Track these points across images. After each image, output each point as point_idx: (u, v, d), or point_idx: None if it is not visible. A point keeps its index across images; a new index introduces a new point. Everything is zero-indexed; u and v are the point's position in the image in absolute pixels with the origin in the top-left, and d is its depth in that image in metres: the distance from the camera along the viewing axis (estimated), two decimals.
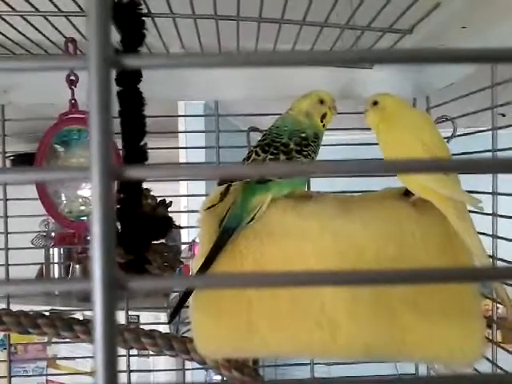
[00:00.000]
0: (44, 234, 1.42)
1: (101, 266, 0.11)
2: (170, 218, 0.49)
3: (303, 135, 0.51)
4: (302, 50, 0.57)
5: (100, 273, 0.11)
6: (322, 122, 0.53)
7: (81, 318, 0.72)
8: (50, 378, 1.40)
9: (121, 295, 0.68)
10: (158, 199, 0.50)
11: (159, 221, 0.47)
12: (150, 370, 1.10)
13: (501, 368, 0.52)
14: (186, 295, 0.48)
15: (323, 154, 0.55)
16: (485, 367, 0.51)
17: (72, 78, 0.55)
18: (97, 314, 0.11)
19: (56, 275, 1.56)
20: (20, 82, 0.64)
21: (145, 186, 0.51)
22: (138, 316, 1.36)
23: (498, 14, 0.44)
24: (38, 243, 1.45)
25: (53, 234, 1.42)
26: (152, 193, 0.54)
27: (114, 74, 0.46)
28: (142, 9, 0.44)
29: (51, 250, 1.58)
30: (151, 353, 0.59)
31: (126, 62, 0.12)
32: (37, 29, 0.51)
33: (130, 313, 1.42)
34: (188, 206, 1.03)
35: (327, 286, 0.14)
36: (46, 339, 1.02)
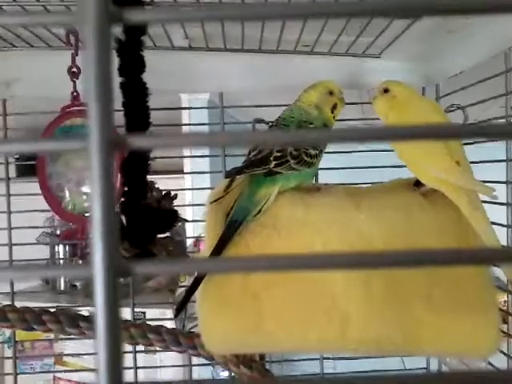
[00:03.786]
0: (49, 232, 1.42)
1: (102, 250, 0.10)
2: (176, 211, 0.48)
3: (311, 126, 0.50)
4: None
5: (101, 257, 0.10)
6: (332, 112, 0.52)
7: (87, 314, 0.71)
8: (57, 374, 1.40)
9: (125, 284, 0.67)
10: (163, 192, 0.49)
11: (164, 214, 0.46)
12: (156, 367, 1.10)
13: None
14: (192, 289, 0.47)
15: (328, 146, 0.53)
16: (500, 361, 0.50)
17: (74, 70, 0.54)
18: (98, 304, 0.09)
19: None
20: (22, 75, 0.63)
21: (149, 178, 0.50)
22: (144, 312, 1.35)
23: None
24: (43, 241, 1.44)
25: (58, 232, 1.42)
26: (157, 185, 0.53)
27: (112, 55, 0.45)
28: None
29: (56, 247, 1.57)
30: (158, 349, 0.59)
31: (128, 16, 0.11)
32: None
33: (136, 309, 1.42)
34: (193, 200, 1.02)
35: (336, 269, 0.13)
36: (52, 336, 1.01)
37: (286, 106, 0.54)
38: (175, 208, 0.48)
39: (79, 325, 0.55)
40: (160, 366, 1.13)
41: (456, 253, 0.14)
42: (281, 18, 0.12)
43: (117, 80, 0.45)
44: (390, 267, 0.14)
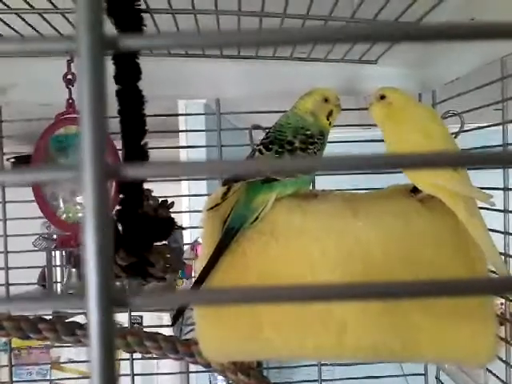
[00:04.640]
0: (45, 236, 1.41)
1: (96, 284, 0.09)
2: (172, 219, 0.48)
3: (308, 133, 0.50)
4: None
5: (95, 291, 0.09)
6: (328, 119, 0.52)
7: (85, 321, 0.71)
8: (54, 380, 1.39)
9: (122, 288, 0.67)
10: (160, 200, 0.48)
11: (161, 222, 0.46)
12: (153, 374, 1.09)
13: None
14: None
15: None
16: (498, 368, 0.50)
17: (69, 77, 0.54)
18: (93, 340, 0.09)
19: (58, 278, 1.55)
20: (17, 81, 0.63)
21: (146, 186, 0.50)
22: (142, 317, 1.35)
23: None
24: (39, 245, 1.44)
25: (54, 236, 1.41)
26: (153, 193, 0.53)
27: (108, 62, 0.44)
28: (140, 3, 0.42)
29: (53, 252, 1.57)
30: (155, 356, 0.58)
31: (122, 44, 0.10)
32: (33, 27, 0.50)
33: (133, 314, 1.41)
34: (190, 206, 1.02)
35: (330, 300, 0.13)
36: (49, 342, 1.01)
37: (283, 112, 0.54)
38: (172, 216, 0.48)
39: (75, 333, 0.55)
40: (157, 373, 1.12)
41: (463, 283, 0.14)
42: (273, 45, 0.12)
43: (113, 87, 0.45)
44: (385, 299, 0.14)
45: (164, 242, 0.50)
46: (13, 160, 1.50)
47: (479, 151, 0.13)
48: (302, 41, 0.12)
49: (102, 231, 0.10)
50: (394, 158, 0.14)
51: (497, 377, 0.52)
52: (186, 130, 1.00)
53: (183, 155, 1.12)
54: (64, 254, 1.58)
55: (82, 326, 0.56)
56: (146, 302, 0.10)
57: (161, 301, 0.11)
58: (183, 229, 0.58)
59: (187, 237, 1.04)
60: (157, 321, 1.19)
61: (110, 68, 0.46)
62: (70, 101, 0.55)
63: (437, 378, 0.65)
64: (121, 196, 0.45)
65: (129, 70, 0.44)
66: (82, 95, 0.10)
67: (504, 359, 0.51)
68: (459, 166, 0.43)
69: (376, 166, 0.12)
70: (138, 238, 0.44)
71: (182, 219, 1.01)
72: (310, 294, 0.13)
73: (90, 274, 0.10)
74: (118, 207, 0.45)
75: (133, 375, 0.66)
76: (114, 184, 0.49)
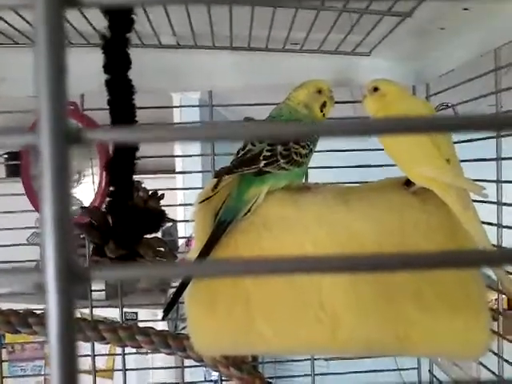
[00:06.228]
0: (39, 231, 1.40)
1: (54, 254, 0.09)
2: (163, 211, 0.47)
3: None
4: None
5: (54, 262, 0.09)
6: (321, 111, 0.52)
7: (78, 315, 0.70)
8: (48, 376, 1.39)
9: (114, 284, 0.66)
10: (150, 192, 0.48)
11: (151, 214, 0.46)
12: (147, 368, 1.09)
13: (507, 361, 0.50)
14: (179, 291, 0.46)
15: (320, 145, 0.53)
16: (491, 361, 0.50)
17: None
18: (51, 315, 0.09)
19: None
20: (8, 74, 0.62)
21: (143, 180, 0.50)
22: (136, 313, 1.34)
23: None
24: (33, 241, 1.43)
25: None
26: (146, 186, 0.52)
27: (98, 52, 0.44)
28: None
29: None
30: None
31: (86, 136, 0.10)
32: (23, 18, 0.49)
33: (128, 310, 1.40)
34: (184, 199, 1.02)
35: (324, 272, 0.13)
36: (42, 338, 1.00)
37: (276, 104, 0.53)
38: (162, 208, 0.47)
39: None
40: (150, 368, 1.12)
41: (443, 255, 0.14)
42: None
43: (101, 78, 0.45)
44: (376, 271, 0.14)
45: (156, 235, 0.50)
46: (6, 155, 1.49)
47: (472, 115, 0.13)
48: None
49: (61, 201, 0.09)
50: (384, 122, 0.13)
51: (489, 370, 0.52)
52: (180, 123, 1.00)
53: (177, 148, 1.12)
54: None
55: None
56: (108, 275, 0.10)
57: (124, 273, 0.10)
58: (174, 221, 0.57)
59: (182, 231, 1.04)
60: (152, 317, 1.19)
61: (99, 58, 0.45)
62: None
63: (430, 371, 0.65)
64: (111, 188, 0.45)
65: (118, 60, 0.43)
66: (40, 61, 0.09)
67: (496, 352, 0.51)
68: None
69: (365, 131, 0.12)
70: (128, 230, 0.43)
71: (176, 213, 1.00)
72: (305, 266, 0.12)
73: (47, 246, 0.09)
74: (108, 199, 0.45)
75: (125, 370, 0.65)
76: (104, 176, 0.49)
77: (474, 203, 0.45)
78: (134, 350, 0.62)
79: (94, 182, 0.56)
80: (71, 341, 0.09)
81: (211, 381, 0.97)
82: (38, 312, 0.55)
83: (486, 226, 0.45)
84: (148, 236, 0.48)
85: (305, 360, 0.67)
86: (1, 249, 0.66)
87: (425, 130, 0.14)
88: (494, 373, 0.51)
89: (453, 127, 0.14)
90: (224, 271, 0.12)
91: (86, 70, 0.47)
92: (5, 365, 0.67)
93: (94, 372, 0.67)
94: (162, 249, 0.50)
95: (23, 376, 1.32)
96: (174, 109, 1.25)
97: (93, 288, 0.69)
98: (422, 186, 0.47)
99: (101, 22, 0.45)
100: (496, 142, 0.51)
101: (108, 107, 0.43)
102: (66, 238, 0.09)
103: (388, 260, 0.13)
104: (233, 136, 0.12)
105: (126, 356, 0.66)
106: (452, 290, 0.44)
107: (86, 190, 0.59)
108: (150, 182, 0.55)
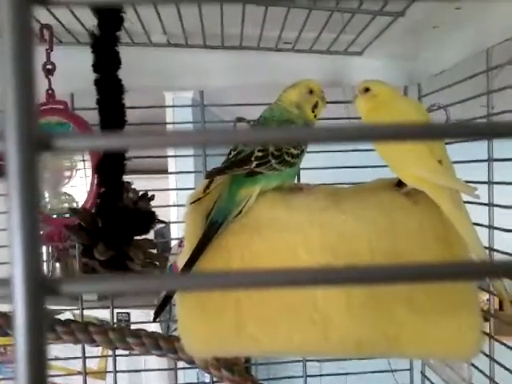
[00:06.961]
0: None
1: (22, 267, 0.08)
2: (153, 213, 0.47)
3: (293, 125, 0.49)
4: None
5: (21, 275, 0.08)
6: (313, 112, 0.51)
7: (71, 317, 0.70)
8: None
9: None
10: (140, 193, 0.47)
11: (141, 215, 0.45)
12: (139, 370, 1.08)
13: (498, 362, 0.50)
14: (170, 293, 0.46)
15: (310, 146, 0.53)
16: (482, 362, 0.50)
17: (49, 66, 0.52)
18: (18, 331, 0.08)
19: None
20: None
21: (137, 182, 0.49)
22: (129, 313, 1.33)
23: None
24: None
25: (41, 232, 1.39)
26: (138, 188, 0.52)
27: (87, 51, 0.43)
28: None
29: None
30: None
31: (55, 144, 0.09)
32: None
33: (121, 310, 1.39)
34: (177, 200, 1.01)
35: (317, 285, 0.13)
36: None
37: (268, 104, 0.53)
38: (152, 209, 0.47)
39: (55, 330, 0.54)
40: (142, 370, 1.11)
41: (445, 268, 0.13)
42: None
43: (92, 76, 0.44)
44: (371, 284, 0.13)
45: (147, 237, 0.49)
46: None
47: (466, 122, 0.12)
48: None
49: (29, 209, 0.09)
50: (378, 129, 0.13)
51: (481, 371, 0.52)
52: (173, 123, 0.99)
53: (170, 148, 1.11)
54: (50, 249, 1.56)
55: (62, 323, 0.54)
56: (80, 288, 0.09)
57: (98, 286, 0.10)
58: (165, 223, 0.56)
59: (175, 232, 1.03)
60: (144, 317, 1.18)
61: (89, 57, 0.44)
62: (50, 91, 0.53)
63: (422, 373, 0.65)
64: (100, 189, 0.44)
65: (108, 59, 0.42)
66: (7, 62, 0.09)
67: (488, 354, 0.51)
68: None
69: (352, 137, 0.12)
70: (117, 231, 0.43)
71: (169, 213, 0.99)
72: (293, 279, 0.12)
73: (15, 256, 0.09)
74: (97, 200, 0.44)
75: (115, 372, 0.65)
76: (94, 177, 0.48)
77: (466, 204, 0.45)
78: (125, 352, 0.62)
79: (87, 183, 0.55)
80: (41, 361, 0.08)
81: (204, 382, 0.97)
82: None
83: (477, 228, 0.45)
84: (139, 238, 0.47)
85: (299, 361, 0.67)
86: None
87: (419, 137, 0.14)
88: (485, 374, 0.51)
89: (446, 135, 0.14)
90: (209, 285, 0.11)
91: (77, 69, 0.46)
92: None
93: (85, 373, 0.66)
94: (153, 251, 0.49)
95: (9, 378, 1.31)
96: (167, 108, 1.24)
97: None
98: (413, 187, 0.46)
99: (91, 21, 0.45)
100: (487, 143, 0.51)
101: (97, 107, 0.43)
102: (35, 250, 0.09)
103: (383, 273, 0.13)
104: (210, 143, 0.11)
105: (118, 357, 0.65)
106: (443, 291, 0.44)
107: (80, 190, 0.58)
108: (142, 183, 0.55)
